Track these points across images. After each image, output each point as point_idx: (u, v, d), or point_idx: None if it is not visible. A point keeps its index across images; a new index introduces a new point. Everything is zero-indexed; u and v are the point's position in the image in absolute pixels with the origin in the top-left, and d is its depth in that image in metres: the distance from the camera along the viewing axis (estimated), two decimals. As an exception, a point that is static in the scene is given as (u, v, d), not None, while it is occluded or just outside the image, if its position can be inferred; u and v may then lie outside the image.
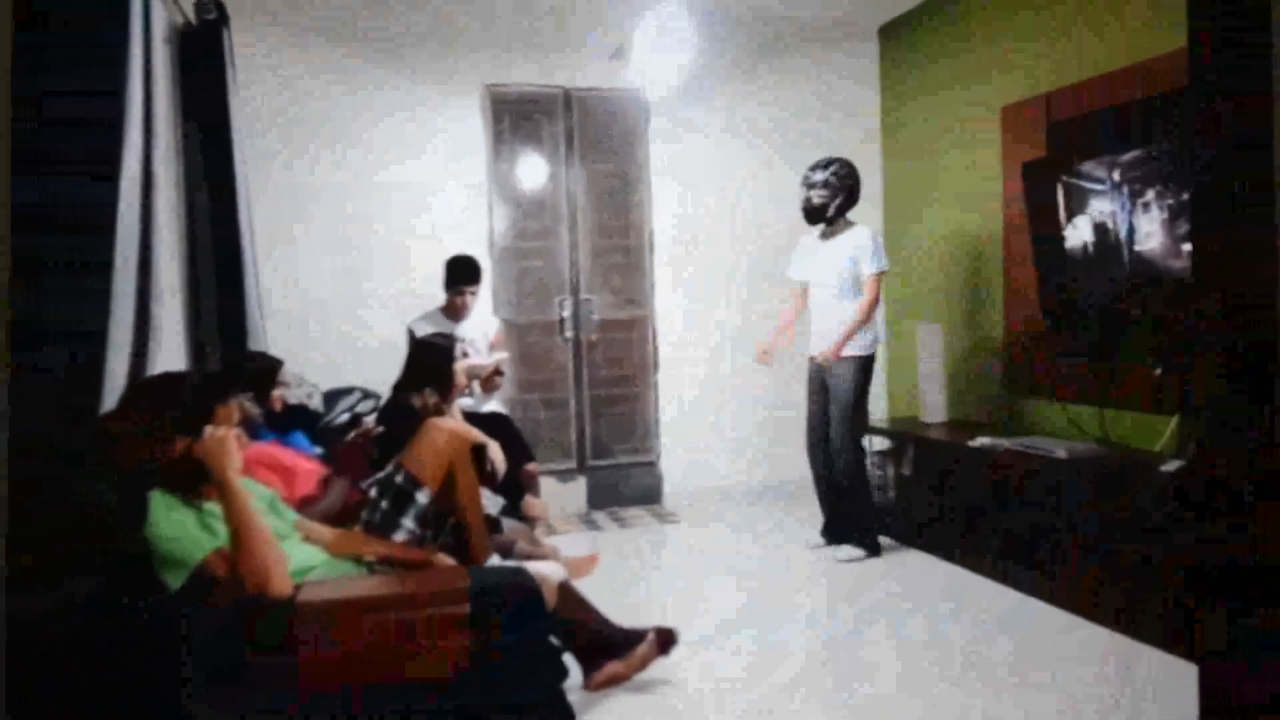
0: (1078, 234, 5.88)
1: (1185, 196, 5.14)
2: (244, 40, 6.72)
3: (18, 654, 2.82)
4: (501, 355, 6.80)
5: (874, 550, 6.54)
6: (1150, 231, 5.40)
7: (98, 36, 3.86)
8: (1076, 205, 5.88)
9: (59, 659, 2.89)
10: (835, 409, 6.50)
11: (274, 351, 6.02)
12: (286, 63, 7.49)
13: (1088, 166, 5.81)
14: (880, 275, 6.45)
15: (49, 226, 3.48)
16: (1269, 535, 1.62)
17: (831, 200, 6.52)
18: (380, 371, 6.30)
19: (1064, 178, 5.95)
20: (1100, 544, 5.24)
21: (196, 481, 3.30)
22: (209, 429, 3.28)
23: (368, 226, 7.71)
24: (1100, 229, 5.72)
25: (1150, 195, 5.37)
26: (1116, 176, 5.58)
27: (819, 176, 6.55)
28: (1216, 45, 1.70)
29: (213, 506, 3.30)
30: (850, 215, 6.63)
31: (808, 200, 6.58)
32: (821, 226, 6.65)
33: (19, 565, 2.93)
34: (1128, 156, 5.54)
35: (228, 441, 3.28)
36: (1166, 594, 4.78)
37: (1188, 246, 5.08)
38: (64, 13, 3.64)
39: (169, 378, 3.80)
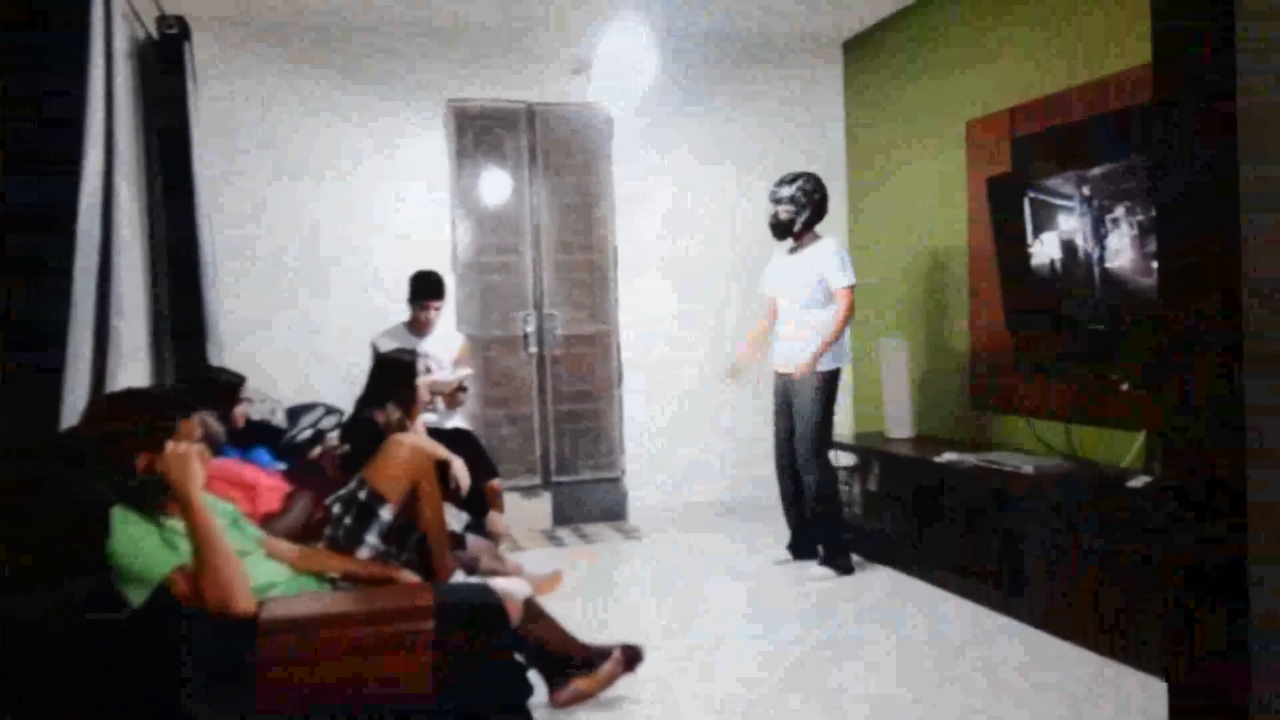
0: (1045, 250, 5.87)
1: (1154, 212, 5.12)
2: (205, 54, 6.69)
3: (17, 654, 2.80)
4: (465, 371, 6.78)
5: (845, 569, 6.50)
6: (1119, 248, 5.39)
7: (57, 52, 3.84)
8: (1043, 221, 5.87)
9: (59, 659, 2.87)
10: (800, 425, 6.47)
11: (234, 362, 6.01)
12: (246, 77, 7.45)
13: (1054, 182, 5.80)
14: (851, 288, 6.39)
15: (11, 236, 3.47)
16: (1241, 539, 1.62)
17: (797, 215, 6.48)
18: (345, 389, 6.28)
19: (1030, 194, 5.95)
20: (1068, 559, 5.25)
21: (158, 497, 3.27)
22: (171, 444, 3.25)
23: (328, 241, 7.67)
24: (1068, 245, 5.72)
25: (1119, 211, 5.37)
26: (1084, 192, 5.58)
27: (785, 191, 6.52)
28: (1184, 46, 1.70)
29: (174, 523, 3.26)
30: (817, 229, 6.61)
31: (774, 215, 6.55)
32: (790, 241, 6.63)
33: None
34: (1094, 172, 5.52)
35: (190, 458, 3.24)
36: (1138, 610, 4.80)
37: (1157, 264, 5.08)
38: (23, 29, 3.62)
39: (131, 394, 3.77)
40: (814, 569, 6.50)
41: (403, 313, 6.99)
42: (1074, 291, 5.71)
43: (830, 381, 6.44)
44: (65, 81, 3.87)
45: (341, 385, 6.87)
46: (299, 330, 7.53)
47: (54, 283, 3.70)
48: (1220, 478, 1.65)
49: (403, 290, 6.97)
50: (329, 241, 7.67)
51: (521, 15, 7.62)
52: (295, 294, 7.58)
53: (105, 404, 3.66)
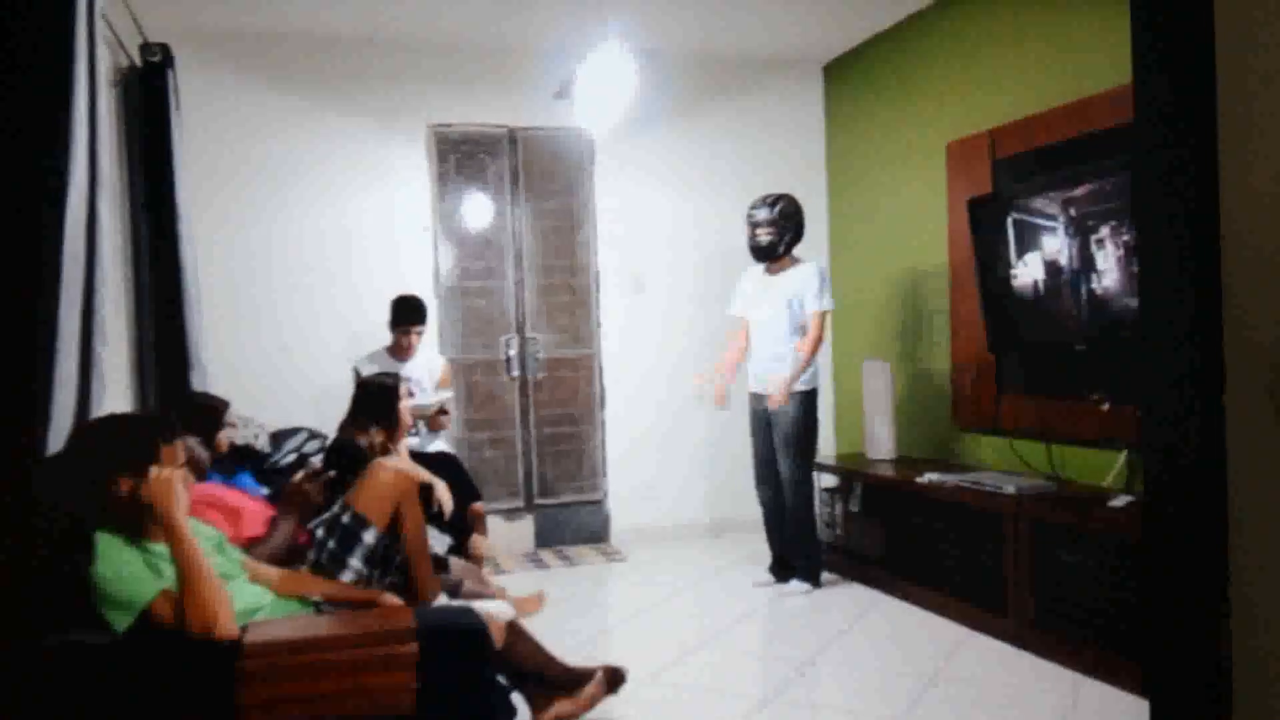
0: (1027, 271, 5.89)
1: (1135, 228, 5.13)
2: (188, 82, 6.69)
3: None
4: (447, 394, 6.79)
5: (815, 582, 6.59)
6: (1102, 268, 5.41)
7: (41, 79, 3.85)
8: (1025, 242, 5.90)
9: (38, 685, 2.89)
10: (780, 445, 6.52)
11: (218, 386, 6.01)
12: (230, 103, 7.45)
13: (1035, 203, 5.83)
14: (825, 314, 6.46)
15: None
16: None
17: (780, 238, 6.53)
18: (328, 413, 6.29)
19: (1011, 214, 5.98)
20: (1048, 578, 5.27)
21: (142, 522, 3.28)
22: (154, 470, 3.26)
23: (310, 266, 7.66)
24: (1049, 266, 5.74)
25: (1102, 231, 5.38)
26: (1066, 213, 5.60)
27: (764, 214, 6.55)
28: (1163, 54, 1.73)
29: (158, 547, 3.27)
30: (796, 251, 6.66)
31: (754, 239, 6.59)
32: (766, 262, 6.66)
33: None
34: (1076, 192, 5.53)
35: (174, 482, 3.26)
36: (1118, 629, 4.83)
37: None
38: (4, 55, 3.63)
39: (114, 419, 3.77)
40: (791, 584, 6.56)
41: (379, 333, 6.99)
42: (1056, 312, 5.74)
43: (807, 402, 6.49)
44: (48, 109, 3.88)
45: (313, 407, 6.91)
46: (271, 351, 7.51)
47: (38, 309, 3.70)
48: (1200, 490, 1.67)
49: (380, 311, 6.97)
50: (303, 263, 7.63)
51: (502, 37, 7.65)
52: (267, 315, 7.56)
53: (88, 429, 3.67)
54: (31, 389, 3.50)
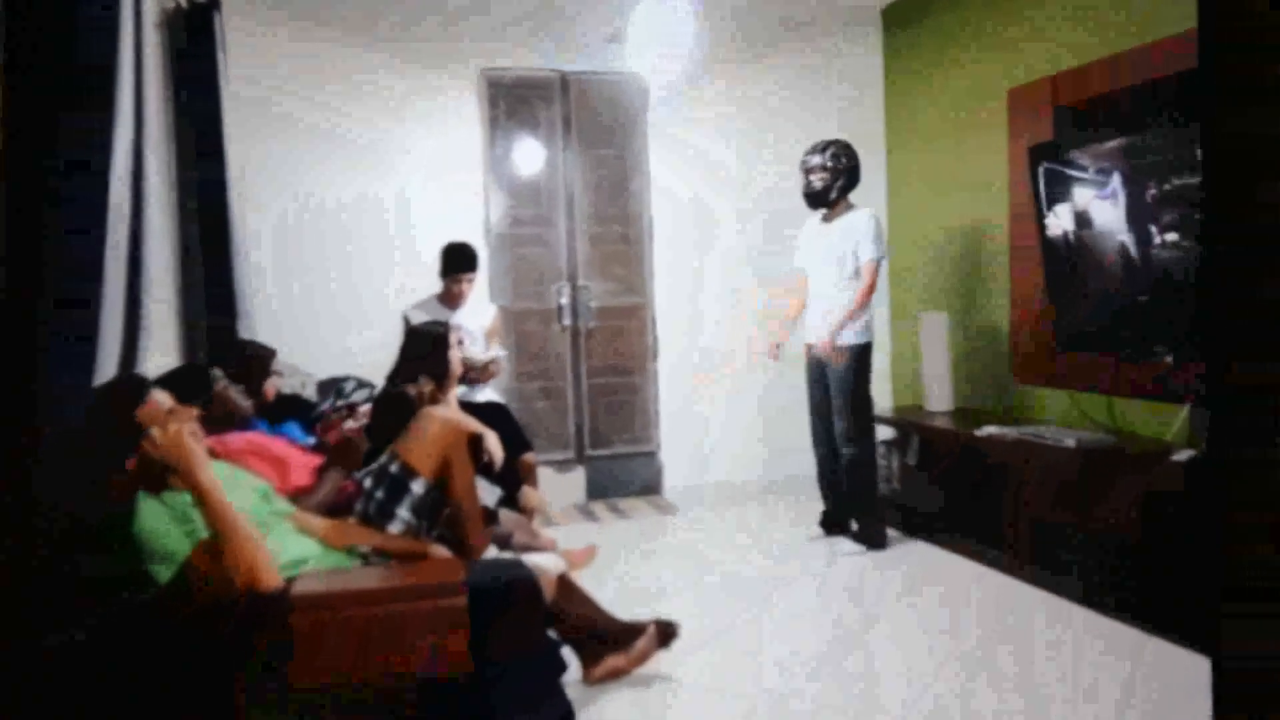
0: (1090, 220, 5.77)
1: (1200, 178, 5.01)
2: (234, 24, 6.62)
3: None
4: (499, 352, 6.69)
5: (878, 544, 6.47)
6: (1166, 218, 5.27)
7: (87, 23, 3.80)
8: (1088, 191, 5.77)
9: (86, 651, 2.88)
10: (836, 400, 6.42)
11: (264, 336, 5.98)
12: (277, 46, 7.37)
13: (1099, 150, 5.68)
14: (878, 262, 6.35)
15: (40, 218, 3.43)
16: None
17: (832, 183, 6.43)
18: (376, 363, 6.24)
19: (1074, 162, 5.84)
20: (1110, 534, 5.18)
21: (165, 477, 3.22)
22: (155, 432, 3.19)
23: (358, 213, 7.60)
24: (1113, 214, 5.62)
25: (1165, 179, 5.25)
26: (1132, 161, 5.46)
27: (817, 160, 6.46)
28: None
29: (186, 496, 3.23)
30: (853, 199, 6.55)
31: (808, 184, 6.50)
32: (823, 210, 6.56)
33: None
34: (1139, 140, 5.40)
35: (181, 439, 3.17)
36: (1180, 586, 4.73)
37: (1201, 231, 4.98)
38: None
39: (102, 389, 3.70)
40: (845, 544, 6.48)
41: (429, 281, 6.92)
42: (1119, 262, 5.61)
43: (861, 355, 6.40)
44: (95, 54, 3.84)
45: (361, 357, 6.84)
46: (318, 300, 7.45)
47: (85, 261, 3.67)
48: (1265, 448, 1.59)
49: (430, 260, 6.90)
50: (351, 210, 7.56)
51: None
52: (314, 263, 7.50)
53: (96, 397, 3.61)
54: (31, 389, 3.45)
